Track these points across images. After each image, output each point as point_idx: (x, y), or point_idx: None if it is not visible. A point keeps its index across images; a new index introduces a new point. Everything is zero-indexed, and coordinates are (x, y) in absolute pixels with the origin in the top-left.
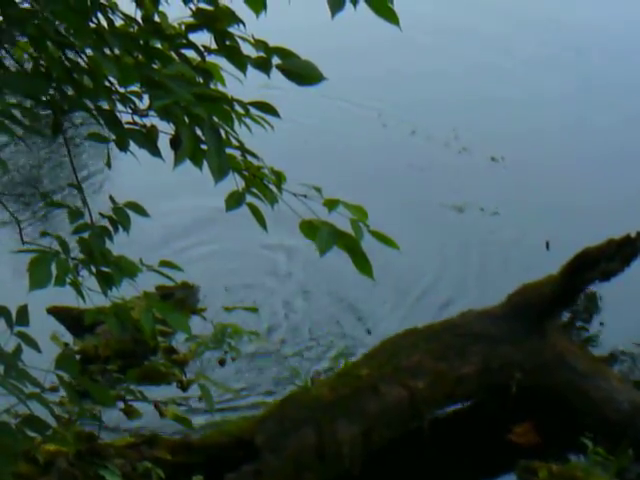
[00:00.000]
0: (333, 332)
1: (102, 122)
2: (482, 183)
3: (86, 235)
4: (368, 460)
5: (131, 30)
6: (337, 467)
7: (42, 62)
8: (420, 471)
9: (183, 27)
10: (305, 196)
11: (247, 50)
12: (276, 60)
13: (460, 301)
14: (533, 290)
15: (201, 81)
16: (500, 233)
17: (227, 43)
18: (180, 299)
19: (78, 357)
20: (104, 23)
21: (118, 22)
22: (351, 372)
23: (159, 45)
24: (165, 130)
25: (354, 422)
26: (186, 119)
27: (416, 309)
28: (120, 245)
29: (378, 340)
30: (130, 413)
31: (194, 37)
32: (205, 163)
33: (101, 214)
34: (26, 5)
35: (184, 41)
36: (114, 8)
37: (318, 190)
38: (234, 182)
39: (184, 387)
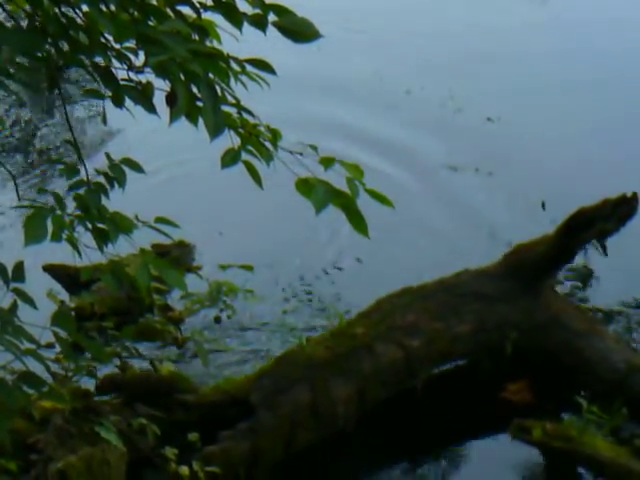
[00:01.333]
0: (326, 290)
1: (98, 78)
2: (477, 143)
3: (82, 192)
4: (362, 419)
5: None
6: (331, 425)
7: (38, 18)
8: (414, 430)
9: None
10: (301, 154)
11: (243, 7)
12: (272, 17)
13: (455, 261)
14: (529, 250)
15: (197, 38)
16: (495, 193)
17: (223, 0)
18: (176, 257)
19: (74, 314)
20: None
21: None
22: (346, 331)
23: (155, 2)
24: (161, 87)
25: (349, 381)
26: (182, 76)
27: (410, 269)
28: (115, 202)
29: (372, 299)
30: (125, 370)
31: None
32: (201, 120)
33: (97, 170)
34: None
35: None
36: None
37: (314, 148)
38: (230, 139)
39: (179, 344)
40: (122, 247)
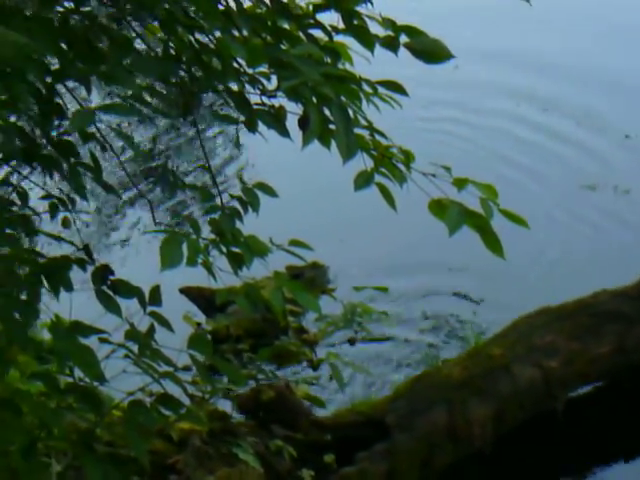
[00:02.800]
0: (461, 311)
1: (231, 103)
2: (615, 161)
3: (216, 216)
4: (500, 441)
5: (259, 11)
6: (468, 447)
7: (172, 45)
8: (553, 453)
9: (311, 7)
10: (434, 175)
11: (375, 29)
12: (404, 38)
13: (593, 280)
14: None
15: (329, 61)
16: (633, 212)
17: (354, 22)
18: (310, 278)
19: (210, 337)
20: (232, 5)
21: (246, 4)
22: (482, 351)
23: (287, 26)
24: (293, 110)
25: (486, 402)
26: (314, 99)
27: (547, 288)
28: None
29: (509, 319)
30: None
31: (322, 17)
32: (333, 143)
33: (231, 195)
34: None
35: (312, 21)
36: None
37: (447, 169)
38: (362, 161)
39: (314, 366)
40: (257, 270)
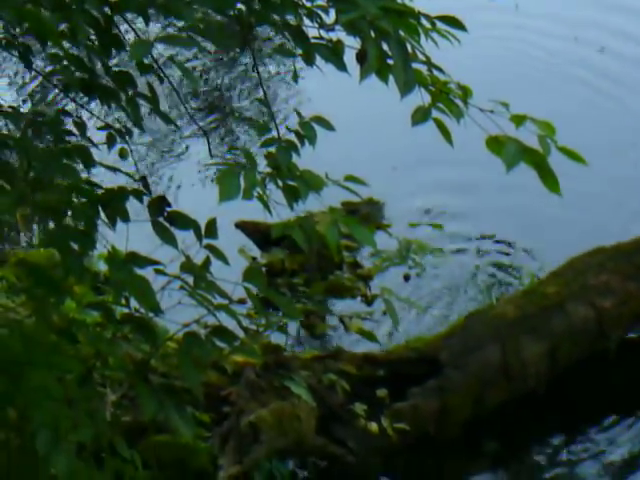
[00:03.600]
0: (516, 250)
1: (289, 37)
2: None
3: (273, 149)
4: (553, 380)
5: None
6: (522, 386)
7: None
8: (606, 393)
9: None
10: (492, 111)
11: None
12: None
13: None
14: None
15: None
16: None
17: None
18: (365, 214)
19: (265, 270)
20: None
21: None
22: (537, 290)
23: None
24: (351, 44)
25: (540, 340)
26: (372, 33)
27: (603, 228)
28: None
29: (564, 259)
30: (315, 327)
31: None
32: (391, 78)
33: (287, 128)
34: None
35: None
36: None
37: (505, 105)
38: (420, 97)
39: (368, 301)
40: (312, 205)
